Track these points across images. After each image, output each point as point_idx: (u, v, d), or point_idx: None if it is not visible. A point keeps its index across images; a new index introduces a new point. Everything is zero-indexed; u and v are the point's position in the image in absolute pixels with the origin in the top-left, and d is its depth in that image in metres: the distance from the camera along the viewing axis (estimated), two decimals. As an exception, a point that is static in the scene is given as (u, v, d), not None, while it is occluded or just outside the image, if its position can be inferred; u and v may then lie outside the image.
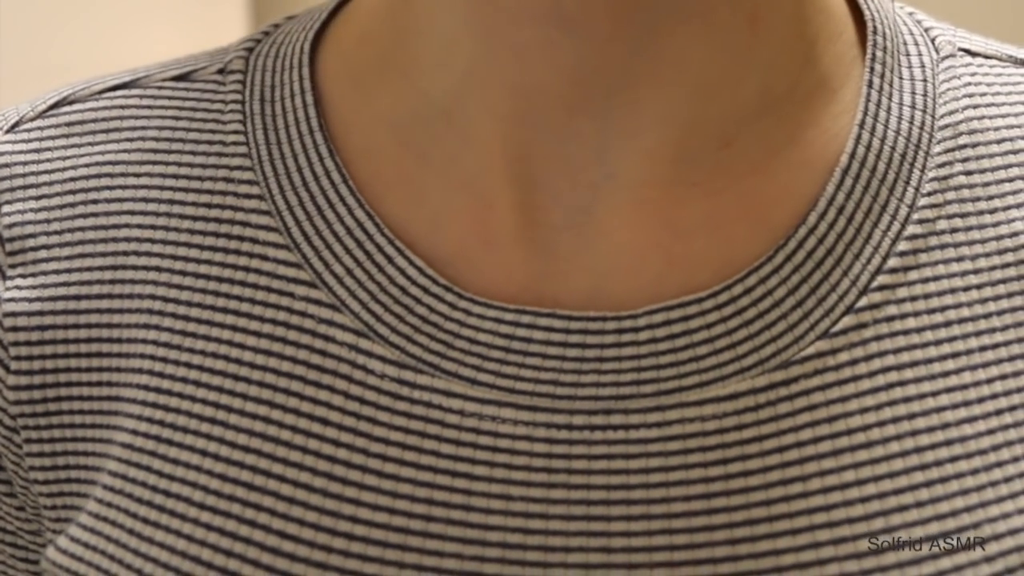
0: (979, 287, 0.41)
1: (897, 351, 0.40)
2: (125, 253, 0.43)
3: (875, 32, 0.44)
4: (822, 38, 0.43)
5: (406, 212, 0.42)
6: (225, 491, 0.40)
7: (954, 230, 0.41)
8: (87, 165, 0.45)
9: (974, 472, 0.39)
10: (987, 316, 0.41)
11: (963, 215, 0.42)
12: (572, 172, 0.41)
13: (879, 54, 0.43)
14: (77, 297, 0.43)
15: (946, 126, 0.43)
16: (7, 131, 0.46)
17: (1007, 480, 0.39)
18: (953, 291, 0.41)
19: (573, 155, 0.40)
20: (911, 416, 0.40)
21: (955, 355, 0.40)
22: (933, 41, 0.45)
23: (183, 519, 0.40)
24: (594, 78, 0.39)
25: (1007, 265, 0.41)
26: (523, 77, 0.40)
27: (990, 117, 0.43)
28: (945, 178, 0.42)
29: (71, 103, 0.46)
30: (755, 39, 0.40)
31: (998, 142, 0.43)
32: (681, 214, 0.41)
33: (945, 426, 0.40)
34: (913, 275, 0.41)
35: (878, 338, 0.40)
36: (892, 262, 0.41)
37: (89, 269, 0.43)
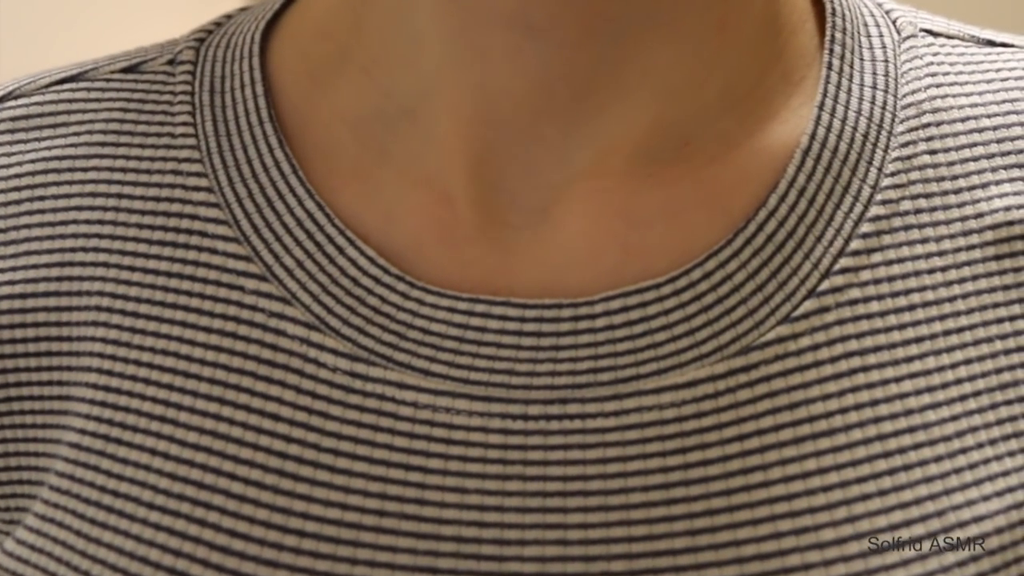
0: (944, 269, 0.40)
1: (860, 336, 0.39)
2: (72, 249, 0.42)
3: (833, 14, 0.43)
4: (785, 32, 0.42)
5: (360, 206, 0.41)
6: (175, 490, 0.39)
7: (918, 211, 0.41)
8: (32, 161, 0.44)
9: (938, 459, 0.38)
10: (951, 299, 0.40)
11: (927, 195, 0.41)
12: (533, 175, 0.40)
13: (838, 35, 0.42)
14: (23, 295, 0.42)
15: (909, 105, 0.42)
16: None
17: (971, 467, 0.38)
18: (917, 274, 0.40)
19: (535, 158, 0.40)
20: (874, 403, 0.39)
21: (919, 340, 0.39)
22: (894, 22, 0.44)
23: (132, 519, 0.40)
24: (559, 84, 0.39)
25: (972, 247, 0.41)
26: (489, 80, 0.39)
27: (953, 96, 0.43)
28: (909, 158, 0.41)
29: (16, 98, 0.45)
30: (722, 43, 0.40)
31: (962, 120, 0.42)
32: (637, 203, 0.40)
33: (908, 413, 0.39)
34: (877, 257, 0.40)
35: (840, 322, 0.39)
36: (855, 244, 0.40)
37: (35, 267, 0.42)
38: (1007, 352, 0.40)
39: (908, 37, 0.44)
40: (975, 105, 0.43)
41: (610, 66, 0.38)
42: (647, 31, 0.38)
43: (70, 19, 1.69)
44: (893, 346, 0.39)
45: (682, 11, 0.38)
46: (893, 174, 0.41)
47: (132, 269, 0.42)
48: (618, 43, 0.38)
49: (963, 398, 0.39)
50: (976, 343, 0.40)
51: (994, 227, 0.41)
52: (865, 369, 0.39)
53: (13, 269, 0.43)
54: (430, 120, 0.40)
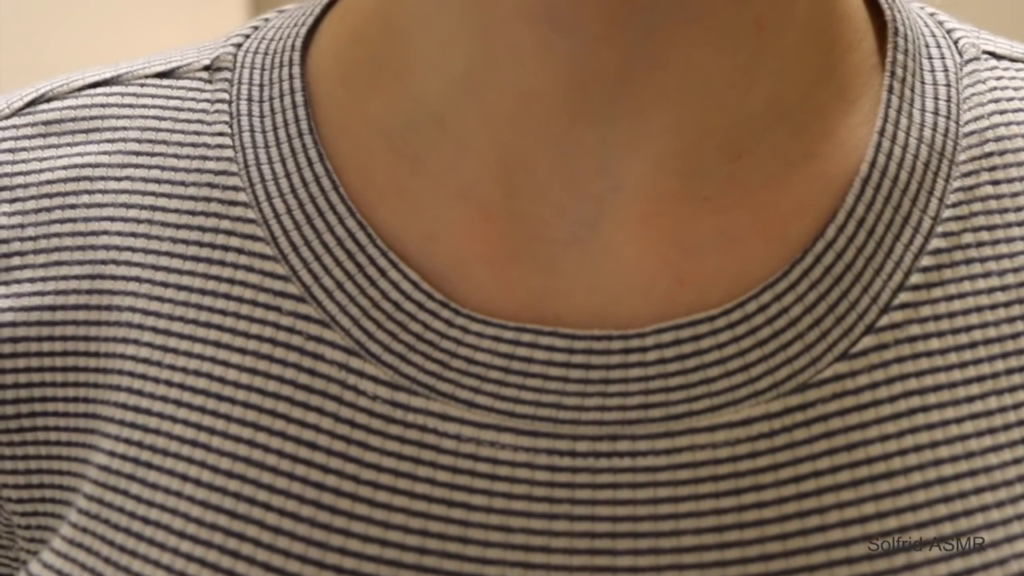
0: (1006, 305, 0.39)
1: (920, 374, 0.38)
2: (103, 262, 0.41)
3: (896, 34, 0.41)
4: (838, 47, 0.40)
5: (399, 223, 0.39)
6: (207, 519, 0.38)
7: (980, 244, 0.39)
8: (65, 168, 0.42)
9: (999, 505, 0.37)
10: (1014, 336, 0.39)
11: (990, 228, 0.39)
12: (575, 183, 0.38)
13: (900, 58, 0.41)
14: (52, 308, 0.41)
15: (971, 133, 0.40)
16: None
17: None
18: (979, 309, 0.39)
19: (576, 165, 0.38)
20: (934, 444, 0.37)
21: (980, 379, 0.38)
22: (956, 43, 0.43)
23: (162, 548, 0.38)
24: (592, 83, 0.37)
25: None
26: (521, 81, 0.37)
27: (1017, 123, 0.41)
28: (971, 188, 0.40)
29: (49, 100, 0.44)
30: (762, 46, 0.38)
31: None
32: (692, 230, 0.38)
33: (969, 455, 0.37)
34: (937, 292, 0.39)
35: (900, 360, 0.38)
36: (915, 278, 0.39)
37: (65, 278, 0.41)
38: None
39: (970, 60, 0.42)
40: None
41: (643, 65, 0.37)
42: (678, 27, 0.37)
43: (67, 18, 1.68)
44: (954, 385, 0.38)
45: (713, 6, 0.37)
46: (954, 205, 0.39)
47: (165, 285, 0.40)
48: (649, 39, 0.36)
49: None
50: None
51: None
52: (925, 409, 0.38)
53: (43, 280, 0.41)
54: (461, 127, 0.39)
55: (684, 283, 0.38)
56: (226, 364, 0.39)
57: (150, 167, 0.42)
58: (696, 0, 0.36)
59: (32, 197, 0.42)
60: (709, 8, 0.37)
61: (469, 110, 0.38)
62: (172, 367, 0.40)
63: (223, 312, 0.40)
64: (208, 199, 0.41)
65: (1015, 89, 0.42)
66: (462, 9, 0.37)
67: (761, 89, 0.38)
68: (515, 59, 0.37)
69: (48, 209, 0.42)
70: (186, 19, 1.79)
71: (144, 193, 0.41)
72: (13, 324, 0.41)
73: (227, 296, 0.40)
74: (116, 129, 0.43)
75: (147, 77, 0.44)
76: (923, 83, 0.41)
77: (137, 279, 0.41)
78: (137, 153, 0.42)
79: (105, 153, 0.42)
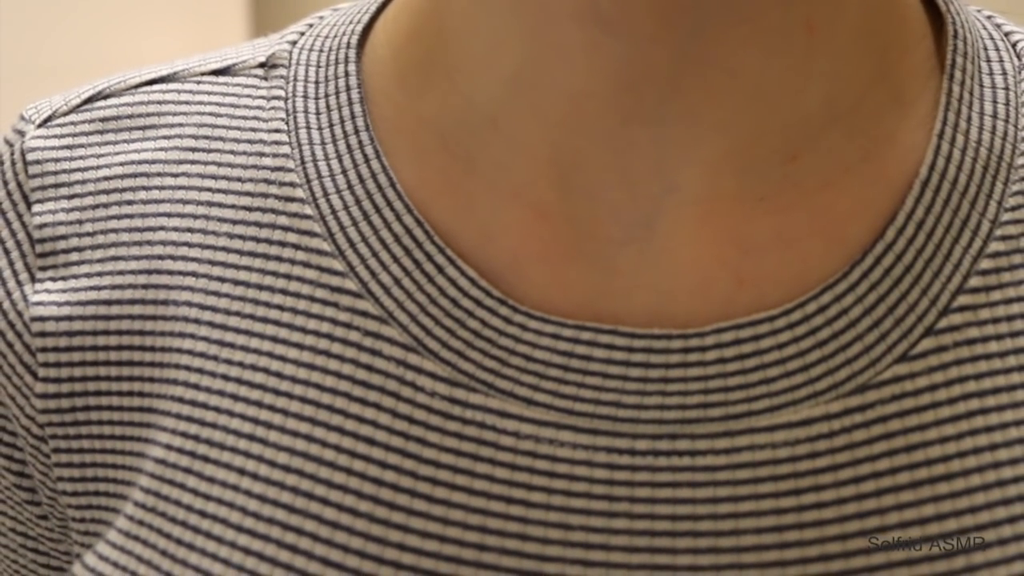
0: None
1: (979, 377, 0.38)
2: (160, 257, 0.41)
3: (955, 37, 0.41)
4: (895, 50, 0.40)
5: (454, 221, 0.39)
6: (264, 513, 0.38)
7: None
8: (122, 164, 0.43)
9: None
10: None
11: None
12: (630, 184, 0.38)
13: (959, 60, 0.41)
14: (108, 302, 0.41)
15: None
16: (39, 125, 0.44)
17: None
18: None
19: (630, 165, 0.38)
20: (993, 447, 0.37)
21: None
22: (1014, 47, 0.43)
23: (219, 542, 0.38)
24: (644, 83, 0.37)
25: None
26: (572, 81, 0.37)
27: None
28: None
29: (106, 97, 0.44)
30: (813, 47, 0.38)
31: None
32: (749, 230, 0.38)
33: None
34: (996, 295, 0.38)
35: (959, 362, 0.38)
36: (974, 281, 0.38)
37: (122, 273, 0.41)
38: None
39: None
40: None
41: (693, 65, 0.37)
42: (727, 28, 0.36)
43: (65, 18, 1.68)
44: (1013, 388, 0.38)
45: (761, 6, 0.37)
46: (1013, 209, 0.39)
47: (222, 280, 0.40)
48: (698, 38, 0.36)
49: None
50: None
51: None
52: (984, 412, 0.37)
53: (100, 275, 0.41)
54: (513, 127, 0.39)
55: (742, 283, 0.38)
56: (283, 359, 0.39)
57: (206, 163, 0.42)
58: (744, 0, 0.36)
59: (89, 193, 0.42)
60: (757, 8, 0.36)
61: (521, 110, 0.38)
62: (229, 362, 0.40)
63: (280, 307, 0.40)
64: (265, 195, 0.41)
65: None
66: (511, 10, 0.37)
67: (814, 91, 0.38)
68: (565, 60, 0.37)
69: (105, 205, 0.42)
70: (185, 19, 1.78)
71: (200, 189, 0.42)
72: (69, 318, 0.41)
73: (284, 292, 0.40)
74: (172, 125, 0.43)
75: (203, 74, 0.44)
76: (982, 86, 0.41)
77: (194, 274, 0.41)
78: (193, 149, 0.42)
79: (162, 149, 0.43)
